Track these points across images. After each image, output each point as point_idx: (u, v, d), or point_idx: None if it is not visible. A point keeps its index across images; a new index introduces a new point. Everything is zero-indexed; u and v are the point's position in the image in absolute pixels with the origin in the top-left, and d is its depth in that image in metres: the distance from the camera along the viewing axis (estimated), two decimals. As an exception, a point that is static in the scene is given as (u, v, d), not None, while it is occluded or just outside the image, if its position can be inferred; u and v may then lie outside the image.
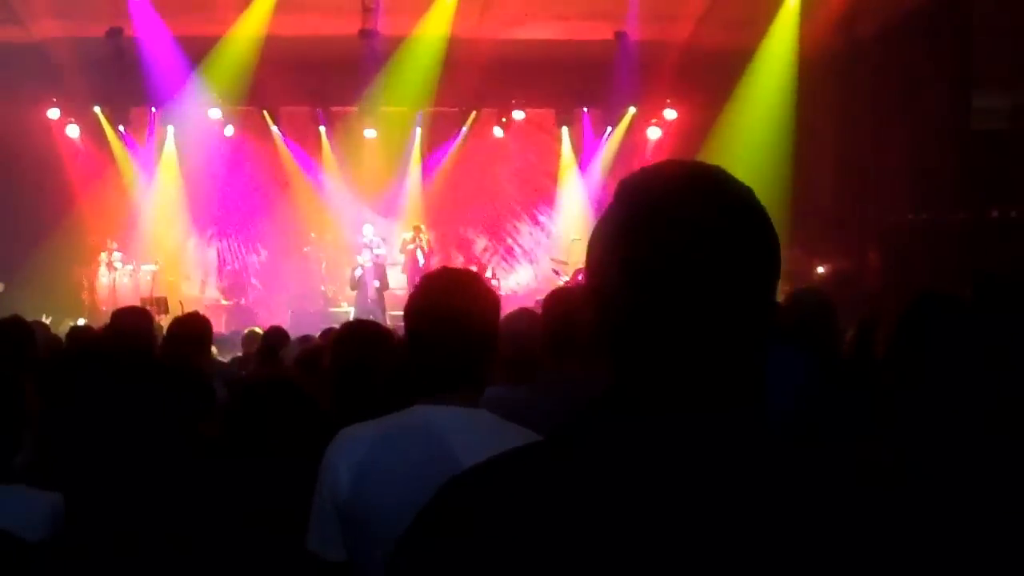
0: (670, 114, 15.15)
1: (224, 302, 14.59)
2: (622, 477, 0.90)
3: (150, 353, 4.32)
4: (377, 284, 13.53)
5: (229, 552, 1.81)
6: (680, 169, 1.01)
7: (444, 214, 15.76)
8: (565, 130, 15.71)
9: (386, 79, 13.96)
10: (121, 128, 14.71)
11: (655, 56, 13.48)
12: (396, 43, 13.63)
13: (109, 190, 14.71)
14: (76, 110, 14.32)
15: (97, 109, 14.49)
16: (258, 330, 7.38)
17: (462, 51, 13.14)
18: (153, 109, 14.76)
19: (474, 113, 15.44)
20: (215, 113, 14.48)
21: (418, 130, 15.39)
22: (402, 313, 2.19)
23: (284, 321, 12.27)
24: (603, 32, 13.46)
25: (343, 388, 2.95)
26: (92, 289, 13.86)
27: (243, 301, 14.73)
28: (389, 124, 14.99)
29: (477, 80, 13.76)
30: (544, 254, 15.86)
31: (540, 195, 16.19)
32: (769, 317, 0.98)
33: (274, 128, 15.10)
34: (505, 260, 16.06)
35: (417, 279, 2.15)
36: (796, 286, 4.60)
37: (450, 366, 1.97)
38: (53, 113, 14.22)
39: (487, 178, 15.98)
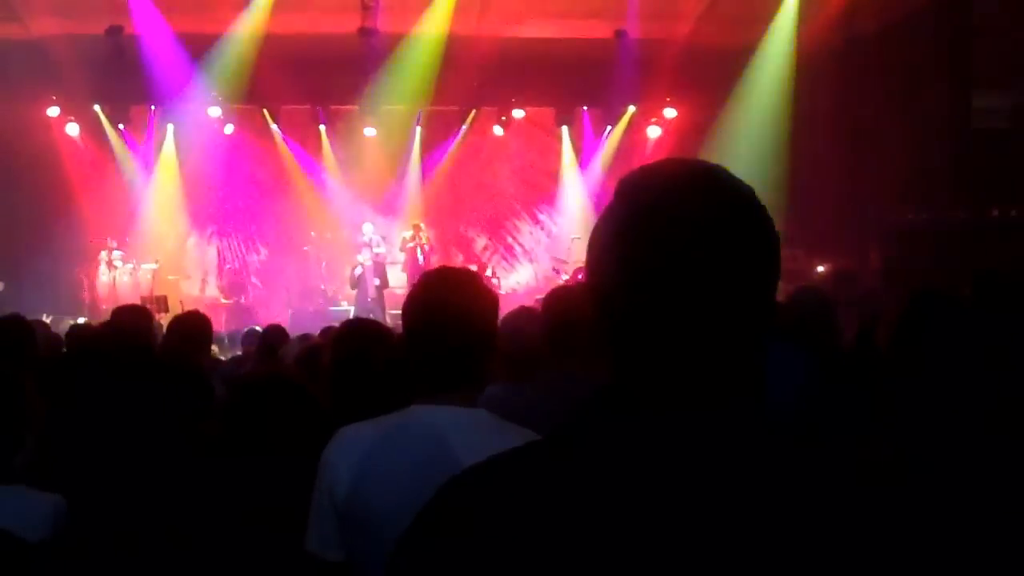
0: (670, 113, 15.16)
1: (224, 301, 14.59)
2: (621, 476, 0.90)
3: (150, 351, 4.32)
4: (377, 282, 13.53)
5: (228, 551, 1.80)
6: (680, 167, 1.01)
7: (444, 213, 15.77)
8: (565, 129, 15.72)
9: (386, 78, 13.96)
10: (121, 126, 14.72)
11: (655, 55, 13.48)
12: (396, 41, 13.63)
13: (109, 188, 14.71)
14: (76, 108, 14.32)
15: (97, 107, 14.50)
16: (258, 329, 7.38)
17: (462, 49, 13.14)
18: (153, 107, 14.77)
19: (474, 112, 15.45)
20: (215, 111, 14.49)
21: (418, 129, 15.40)
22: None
23: (284, 320, 12.27)
24: (603, 31, 13.46)
25: (342, 386, 2.94)
26: (92, 288, 13.86)
27: (243, 300, 14.73)
28: (389, 123, 14.99)
29: (477, 79, 13.77)
30: (544, 253, 15.87)
31: (540, 194, 16.20)
32: (769, 316, 0.98)
33: (274, 126, 15.11)
34: (505, 259, 16.07)
35: (417, 278, 2.15)
36: (796, 285, 4.60)
37: (448, 365, 1.96)
38: (53, 111, 14.23)
39: (487, 177, 15.99)
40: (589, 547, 0.87)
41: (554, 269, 14.64)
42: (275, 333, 5.69)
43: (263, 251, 15.61)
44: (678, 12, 13.25)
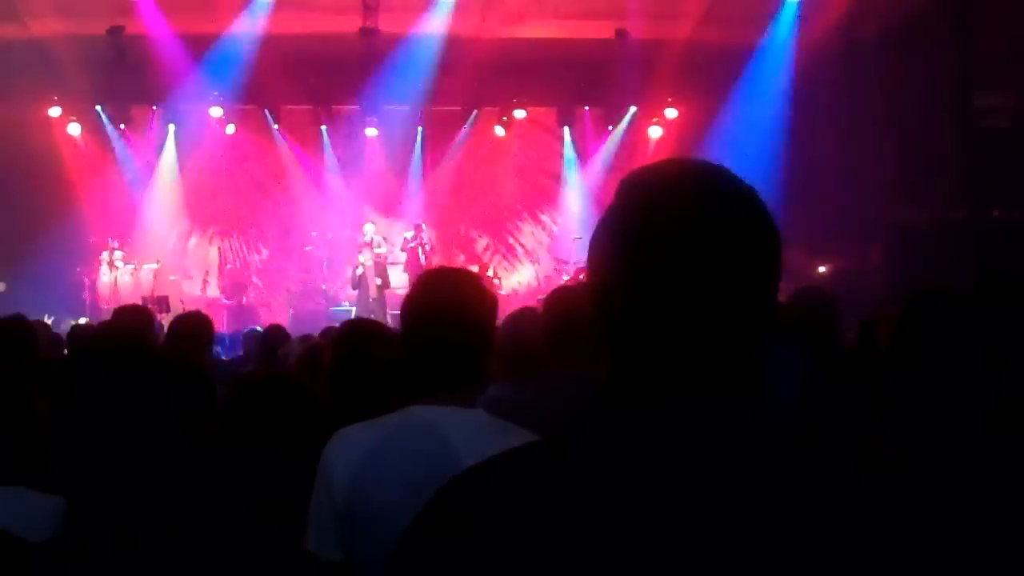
0: (671, 113, 15.16)
1: (225, 301, 14.60)
2: (621, 475, 0.90)
3: (151, 350, 4.32)
4: (379, 282, 13.53)
5: (229, 551, 1.81)
6: (681, 167, 1.01)
7: (445, 213, 15.77)
8: (566, 129, 15.71)
9: (387, 77, 13.96)
10: (122, 126, 14.74)
11: (656, 55, 13.47)
12: (397, 41, 13.63)
13: (110, 189, 14.73)
14: (77, 108, 14.34)
15: (98, 107, 14.51)
16: (259, 329, 7.38)
17: (463, 49, 13.14)
18: (154, 107, 14.79)
19: (475, 112, 15.46)
20: (216, 111, 14.50)
21: (419, 129, 15.40)
22: (400, 312, 2.19)
23: (285, 320, 12.29)
24: (604, 31, 13.46)
25: (342, 386, 2.94)
26: (93, 288, 13.86)
27: (244, 300, 14.73)
28: (390, 123, 15.00)
29: (478, 79, 13.77)
30: (545, 253, 15.87)
31: (541, 194, 16.20)
32: (769, 316, 0.98)
33: (275, 126, 15.11)
34: (506, 259, 16.06)
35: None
36: (798, 285, 4.59)
37: (446, 365, 1.96)
38: (54, 111, 14.24)
39: (488, 177, 15.98)
40: (589, 547, 0.87)
41: (555, 269, 14.66)
42: (276, 334, 5.69)
43: (264, 251, 15.62)
44: (679, 12, 13.23)
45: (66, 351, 5.31)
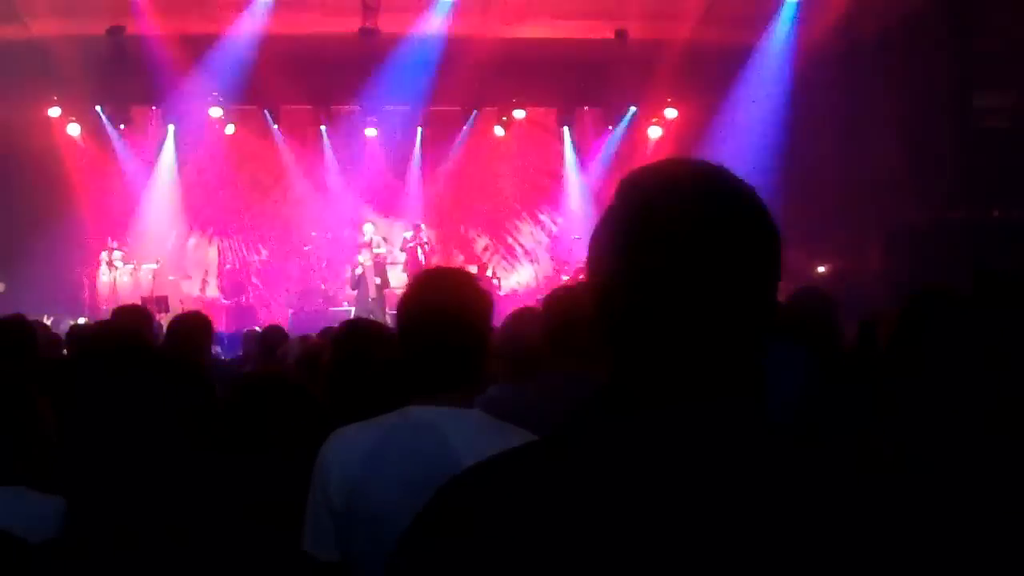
0: (671, 113, 15.16)
1: (224, 301, 14.60)
2: (621, 475, 0.90)
3: (150, 350, 4.31)
4: (378, 281, 13.53)
5: (228, 550, 1.81)
6: (681, 167, 1.01)
7: (445, 213, 15.77)
8: (566, 129, 15.72)
9: (387, 78, 13.96)
10: (122, 127, 14.73)
11: (656, 55, 13.47)
12: (397, 41, 13.63)
13: (110, 189, 14.73)
14: (77, 108, 14.33)
15: (98, 107, 14.50)
16: (258, 330, 7.38)
17: (463, 49, 13.13)
18: (154, 108, 14.79)
19: (475, 112, 15.45)
20: (216, 112, 14.49)
21: (419, 129, 15.40)
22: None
23: (284, 320, 12.29)
24: (604, 31, 13.46)
25: (341, 386, 2.94)
26: (93, 288, 13.86)
27: (243, 300, 14.73)
28: (390, 123, 15.00)
29: (478, 79, 13.76)
30: (545, 253, 15.87)
31: (541, 194, 16.20)
32: (769, 316, 0.98)
33: (275, 127, 15.11)
34: (506, 259, 16.06)
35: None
36: (796, 285, 4.60)
37: (442, 365, 1.96)
38: (54, 111, 14.23)
39: (488, 177, 15.99)
40: (589, 547, 0.87)
41: (555, 269, 14.66)
42: (275, 334, 5.70)
43: (263, 251, 15.62)
44: (678, 12, 13.23)
45: (65, 351, 5.31)
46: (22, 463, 2.28)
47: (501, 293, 14.43)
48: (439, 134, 15.55)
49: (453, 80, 13.65)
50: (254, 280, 15.40)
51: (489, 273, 14.48)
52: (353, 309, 13.33)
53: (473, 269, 13.55)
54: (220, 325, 12.17)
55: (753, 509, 0.86)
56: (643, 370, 0.96)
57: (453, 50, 13.33)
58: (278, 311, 14.54)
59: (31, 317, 4.68)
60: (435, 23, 13.37)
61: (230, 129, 14.92)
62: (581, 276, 11.75)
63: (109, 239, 14.22)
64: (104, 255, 13.99)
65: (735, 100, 13.76)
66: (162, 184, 15.05)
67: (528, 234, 16.19)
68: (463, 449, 1.77)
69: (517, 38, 13.12)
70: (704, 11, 13.17)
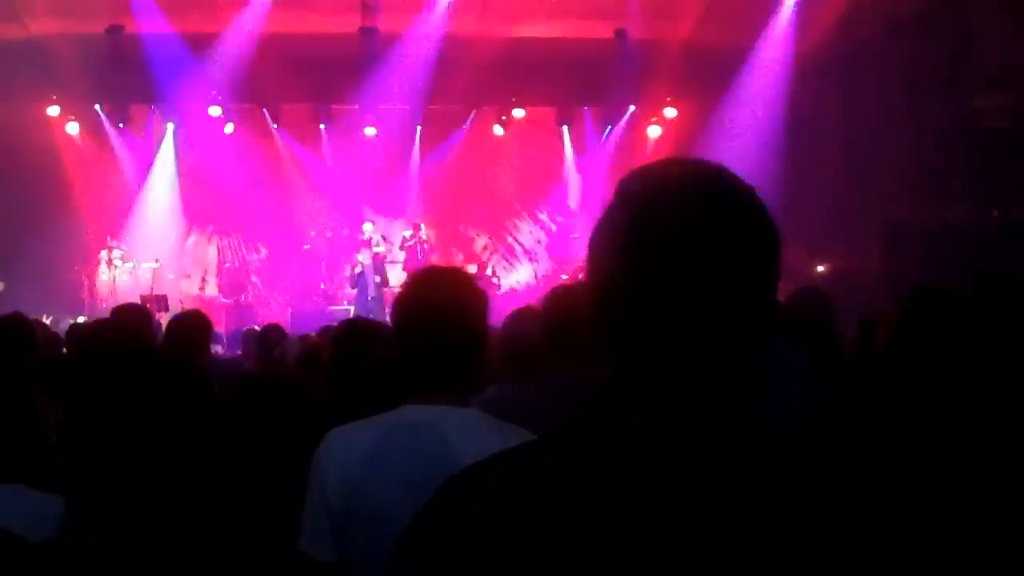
0: (670, 112, 15.17)
1: (224, 300, 14.59)
2: (621, 475, 0.90)
3: (149, 349, 4.31)
4: (378, 280, 13.53)
5: (227, 550, 1.81)
6: (680, 167, 1.01)
7: (444, 212, 15.77)
8: (565, 128, 15.72)
9: (386, 77, 13.96)
10: (121, 125, 14.72)
11: (655, 55, 13.48)
12: (396, 41, 13.63)
13: (109, 188, 14.73)
14: (76, 107, 14.33)
15: (97, 106, 14.50)
16: (258, 329, 7.38)
17: (462, 49, 13.14)
18: (153, 106, 14.78)
19: (474, 111, 15.46)
20: (215, 110, 14.49)
21: (418, 128, 15.40)
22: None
23: (284, 319, 12.29)
24: (603, 30, 13.46)
25: (341, 384, 2.94)
26: (92, 287, 13.86)
27: (243, 299, 14.73)
28: (389, 122, 14.99)
29: (477, 78, 13.76)
30: (544, 252, 15.87)
31: (540, 193, 16.21)
32: (769, 316, 0.98)
33: (274, 126, 15.11)
34: (505, 258, 16.07)
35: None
36: (796, 285, 4.60)
37: (438, 364, 1.96)
38: (53, 110, 14.23)
39: (487, 176, 15.99)
40: (588, 546, 0.87)
41: (554, 268, 14.66)
42: (274, 333, 5.69)
43: (263, 250, 15.61)
44: (678, 12, 13.24)
45: (64, 350, 5.30)
46: (21, 462, 2.28)
47: (500, 292, 14.43)
48: (438, 133, 15.55)
49: (452, 79, 13.65)
50: (253, 279, 15.40)
51: (488, 272, 14.49)
52: (352, 308, 13.34)
53: (472, 268, 13.57)
54: (219, 324, 12.16)
55: (753, 509, 0.86)
56: (643, 370, 0.96)
57: (452, 49, 13.34)
58: (277, 310, 14.54)
59: (30, 316, 4.68)
60: (434, 22, 13.37)
61: (229, 128, 14.91)
62: (581, 275, 11.75)
63: (108, 238, 14.22)
64: (103, 254, 13.99)
65: (734, 100, 13.76)
66: (161, 183, 15.05)
67: (527, 233, 16.19)
68: (463, 448, 1.76)
69: (516, 37, 13.13)
70: (704, 11, 13.18)
